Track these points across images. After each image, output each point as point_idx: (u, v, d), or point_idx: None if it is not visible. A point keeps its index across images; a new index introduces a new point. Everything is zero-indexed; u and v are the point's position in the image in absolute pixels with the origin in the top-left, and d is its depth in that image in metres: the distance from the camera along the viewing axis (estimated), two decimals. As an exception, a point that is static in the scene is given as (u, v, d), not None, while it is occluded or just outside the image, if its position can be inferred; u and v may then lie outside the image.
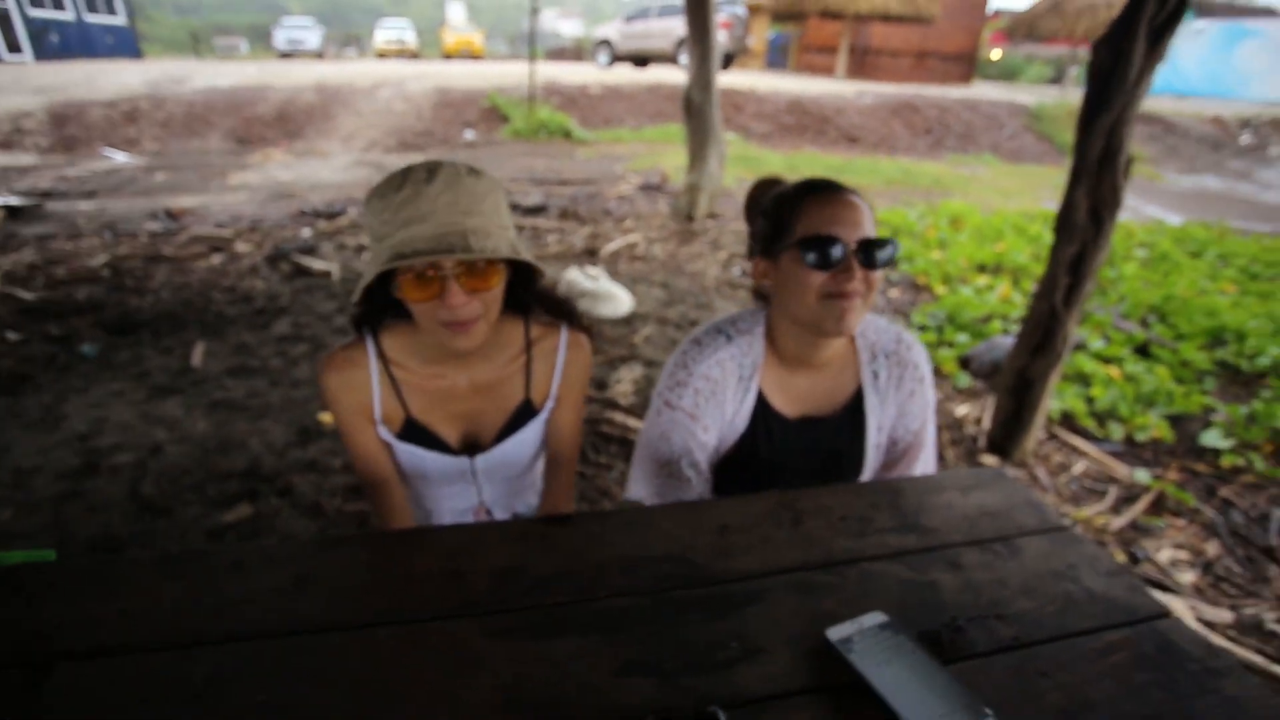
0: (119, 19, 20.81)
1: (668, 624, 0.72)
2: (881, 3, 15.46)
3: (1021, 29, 17.04)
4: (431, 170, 0.86)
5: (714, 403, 1.08)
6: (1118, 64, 2.17)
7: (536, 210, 6.18)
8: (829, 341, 1.06)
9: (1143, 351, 3.57)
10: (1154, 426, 2.81)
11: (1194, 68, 21.95)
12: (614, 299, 3.92)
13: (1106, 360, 3.43)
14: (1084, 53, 20.85)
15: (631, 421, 2.80)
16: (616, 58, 16.42)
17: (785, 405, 1.12)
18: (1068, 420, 2.93)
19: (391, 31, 23.43)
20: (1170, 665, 0.70)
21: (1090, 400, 3.03)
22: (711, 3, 5.44)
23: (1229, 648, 1.83)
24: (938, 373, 3.35)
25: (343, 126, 9.75)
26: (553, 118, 9.64)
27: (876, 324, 1.16)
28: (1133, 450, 2.75)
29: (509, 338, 1.07)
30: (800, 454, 1.12)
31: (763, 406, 1.11)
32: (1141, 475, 2.53)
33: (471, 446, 1.10)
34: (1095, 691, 0.66)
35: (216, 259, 4.77)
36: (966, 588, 0.79)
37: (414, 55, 23.46)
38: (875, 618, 0.72)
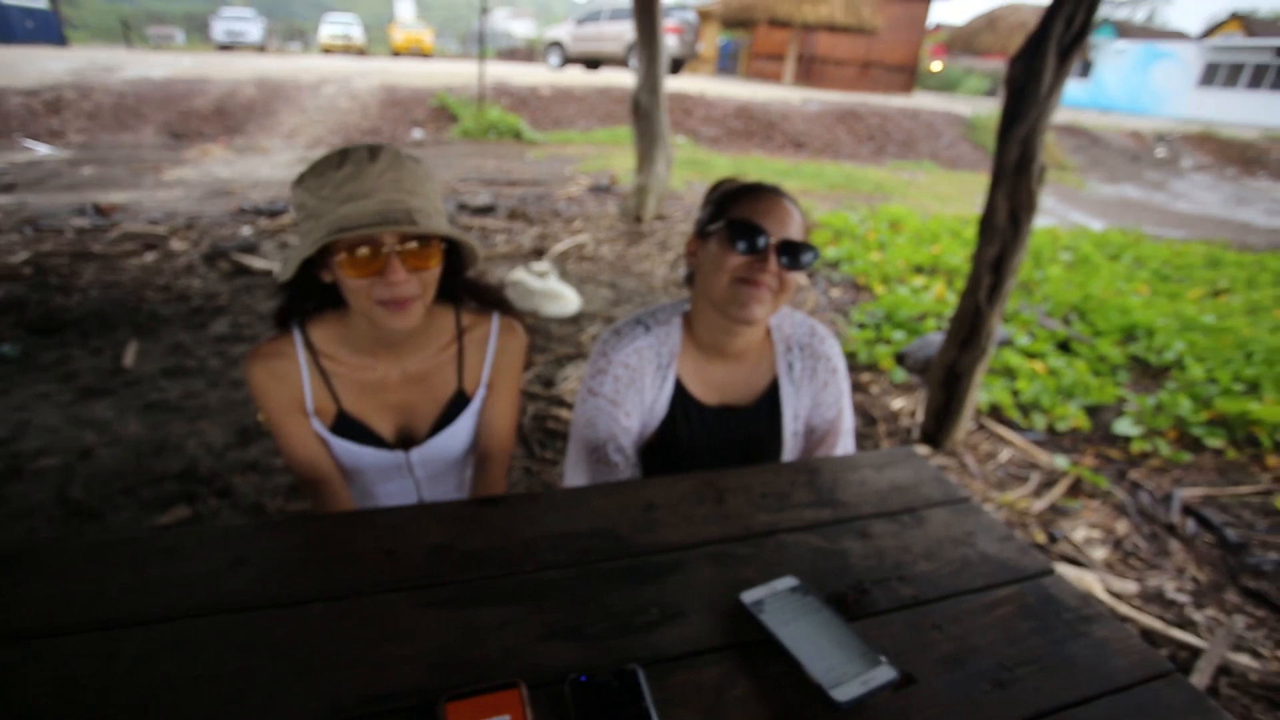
0: (39, 1, 19.57)
1: (592, 593, 0.75)
2: (827, 13, 15.90)
3: (960, 43, 17.78)
4: (373, 150, 0.87)
5: (633, 389, 1.12)
6: (1030, 79, 2.31)
7: (485, 210, 6.13)
8: (740, 330, 1.09)
9: (1064, 347, 3.78)
10: (1073, 417, 2.99)
11: (1116, 85, 23.33)
12: (561, 298, 3.93)
13: (1031, 355, 3.62)
14: (1016, 67, 21.73)
15: (579, 418, 2.82)
16: (568, 59, 16.40)
17: (703, 393, 1.16)
18: (995, 412, 3.09)
19: (338, 27, 22.82)
20: (1049, 614, 0.77)
21: (1016, 393, 3.20)
22: (659, 7, 5.51)
23: (1133, 615, 1.97)
24: (875, 369, 3.48)
25: (285, 123, 9.46)
26: (503, 118, 9.56)
27: (792, 318, 1.21)
28: (1053, 439, 2.93)
29: (440, 327, 1.07)
30: (719, 440, 1.16)
31: (681, 394, 1.15)
32: (1061, 461, 2.69)
33: (406, 440, 1.10)
34: (981, 639, 0.73)
35: (150, 257, 4.58)
36: (873, 554, 0.85)
37: (361, 52, 22.90)
38: (787, 581, 0.76)
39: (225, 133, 9.26)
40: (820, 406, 1.20)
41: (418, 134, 9.25)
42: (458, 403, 1.10)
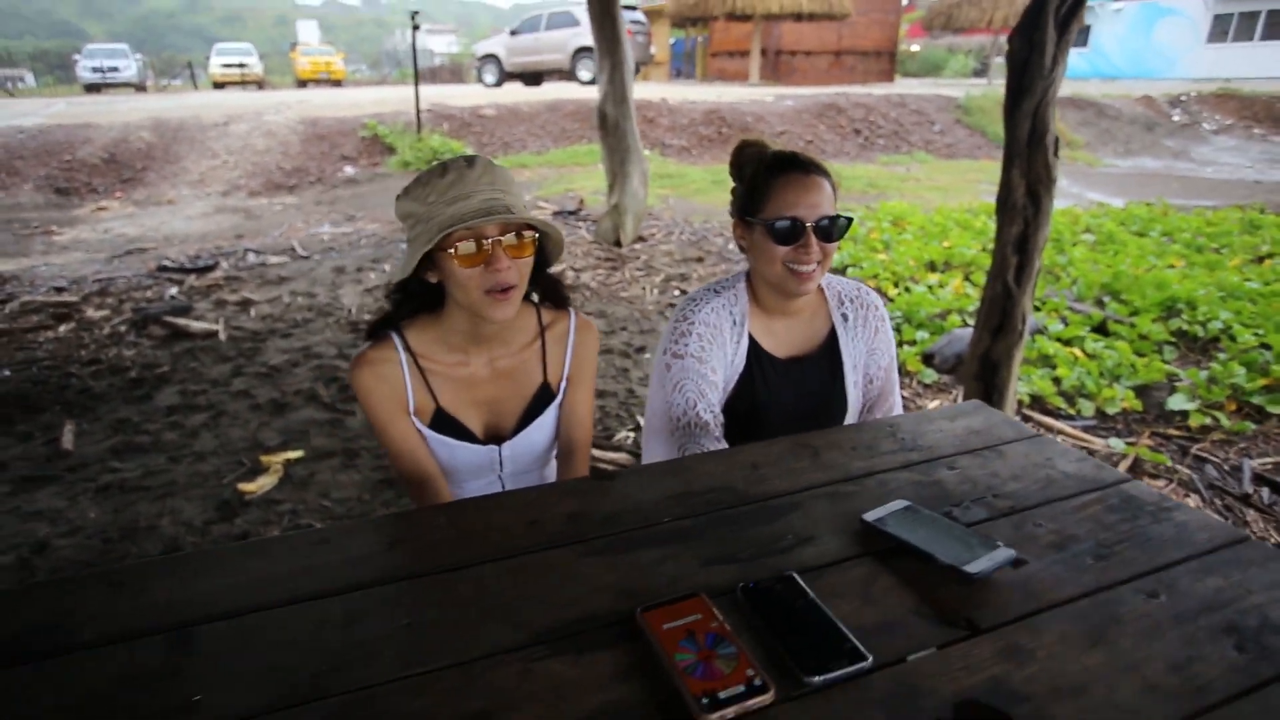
0: None
1: (729, 531, 0.99)
2: (792, 1, 16.84)
3: (938, 20, 18.89)
4: (469, 160, 1.17)
5: (716, 344, 1.42)
6: (1033, 53, 2.68)
7: (444, 246, 6.40)
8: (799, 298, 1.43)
9: (1101, 330, 4.14)
10: (1122, 398, 3.31)
11: (1117, 50, 24.84)
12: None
13: (1067, 342, 3.96)
14: (1005, 41, 23.08)
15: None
16: (505, 75, 17.03)
17: (773, 346, 1.48)
18: (1037, 402, 3.39)
19: (231, 57, 23.38)
20: (1133, 509, 1.02)
21: (1057, 380, 3.51)
22: (619, 12, 5.94)
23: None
24: (903, 372, 3.78)
25: (193, 169, 9.71)
26: (445, 146, 9.96)
27: (837, 278, 1.57)
28: (1105, 423, 3.23)
29: (523, 323, 1.34)
30: (791, 392, 1.47)
31: (755, 348, 1.46)
32: (1116, 444, 2.99)
33: (494, 437, 1.35)
34: (1078, 529, 0.97)
35: (64, 329, 4.72)
36: (966, 480, 1.10)
37: (259, 84, 23.44)
38: (900, 503, 1.01)
39: (121, 185, 9.45)
40: (875, 353, 1.54)
41: (350, 170, 9.58)
42: (543, 397, 1.36)
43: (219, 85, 23.17)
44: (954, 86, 18.53)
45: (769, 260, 1.37)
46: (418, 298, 1.25)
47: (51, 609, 0.87)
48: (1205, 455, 2.96)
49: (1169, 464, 2.87)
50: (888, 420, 1.32)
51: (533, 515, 1.03)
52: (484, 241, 1.14)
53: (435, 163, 1.18)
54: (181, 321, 4.65)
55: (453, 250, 1.13)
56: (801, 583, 0.86)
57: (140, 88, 22.91)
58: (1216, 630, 0.80)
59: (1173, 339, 4.02)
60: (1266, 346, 3.71)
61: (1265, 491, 2.73)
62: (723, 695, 0.70)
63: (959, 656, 0.76)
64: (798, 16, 17.75)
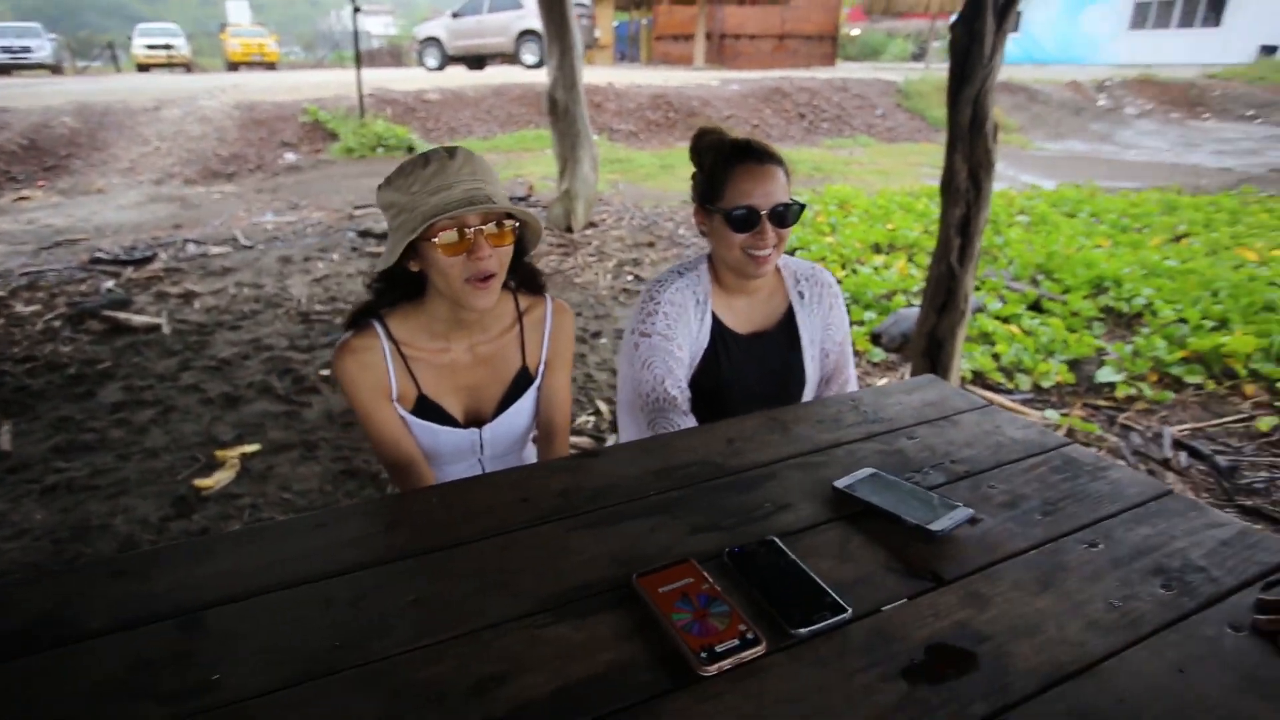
0: None
1: (711, 501, 1.05)
2: (735, -16, 16.92)
3: (878, 5, 19.20)
4: (450, 151, 1.20)
5: (681, 322, 1.50)
6: (973, 42, 2.80)
7: (393, 234, 6.31)
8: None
9: (1036, 307, 4.35)
10: (1056, 372, 3.50)
11: (1047, 35, 25.69)
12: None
13: (1005, 320, 4.15)
14: (943, 26, 23.92)
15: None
16: (448, 58, 16.71)
17: (735, 324, 1.57)
18: (979, 377, 3.56)
19: (155, 38, 22.35)
20: (1074, 469, 1.12)
21: (996, 357, 3.69)
22: (567, -6, 5.92)
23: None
24: (853, 350, 3.92)
25: (122, 156, 9.32)
26: (390, 131, 9.77)
27: (793, 259, 1.68)
28: (1041, 395, 3.41)
29: (502, 310, 1.38)
30: (753, 367, 1.56)
31: (718, 325, 1.55)
32: (1052, 415, 3.17)
33: (475, 420, 1.39)
34: (1026, 489, 1.07)
35: (-9, 325, 4.53)
36: (925, 449, 1.19)
37: (187, 66, 22.50)
38: (866, 471, 1.09)
39: (44, 173, 9.02)
40: (830, 328, 1.65)
41: (291, 157, 9.32)
42: (521, 381, 1.40)
43: (143, 67, 22.12)
44: (893, 71, 18.91)
45: (728, 245, 1.46)
46: (400, 286, 1.28)
47: (54, 599, 0.88)
48: (1130, 424, 3.16)
49: (1099, 432, 3.05)
50: (850, 395, 1.40)
51: (523, 493, 1.08)
52: (466, 230, 1.17)
53: (414, 153, 1.21)
54: (122, 315, 4.50)
55: (436, 239, 1.16)
56: (782, 545, 0.93)
57: (56, 69, 21.73)
58: (1147, 572, 0.90)
59: (1101, 315, 4.25)
60: (1184, 321, 3.95)
61: (1183, 455, 2.94)
62: (719, 649, 0.76)
63: (927, 605, 0.84)
64: (741, 0, 17.86)
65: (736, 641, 0.77)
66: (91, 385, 3.75)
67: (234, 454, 3.08)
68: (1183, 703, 0.70)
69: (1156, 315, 4.08)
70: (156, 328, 4.38)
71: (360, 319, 1.30)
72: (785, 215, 1.44)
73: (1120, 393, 3.33)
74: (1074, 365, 3.63)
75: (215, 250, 6.06)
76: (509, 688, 0.73)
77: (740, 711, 0.71)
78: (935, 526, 0.94)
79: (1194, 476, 2.80)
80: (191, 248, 6.14)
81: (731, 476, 1.12)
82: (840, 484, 1.06)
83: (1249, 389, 3.38)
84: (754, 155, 1.45)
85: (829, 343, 1.66)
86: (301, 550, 0.96)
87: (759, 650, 0.77)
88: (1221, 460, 2.86)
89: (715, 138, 1.51)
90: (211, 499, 2.81)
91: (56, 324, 4.52)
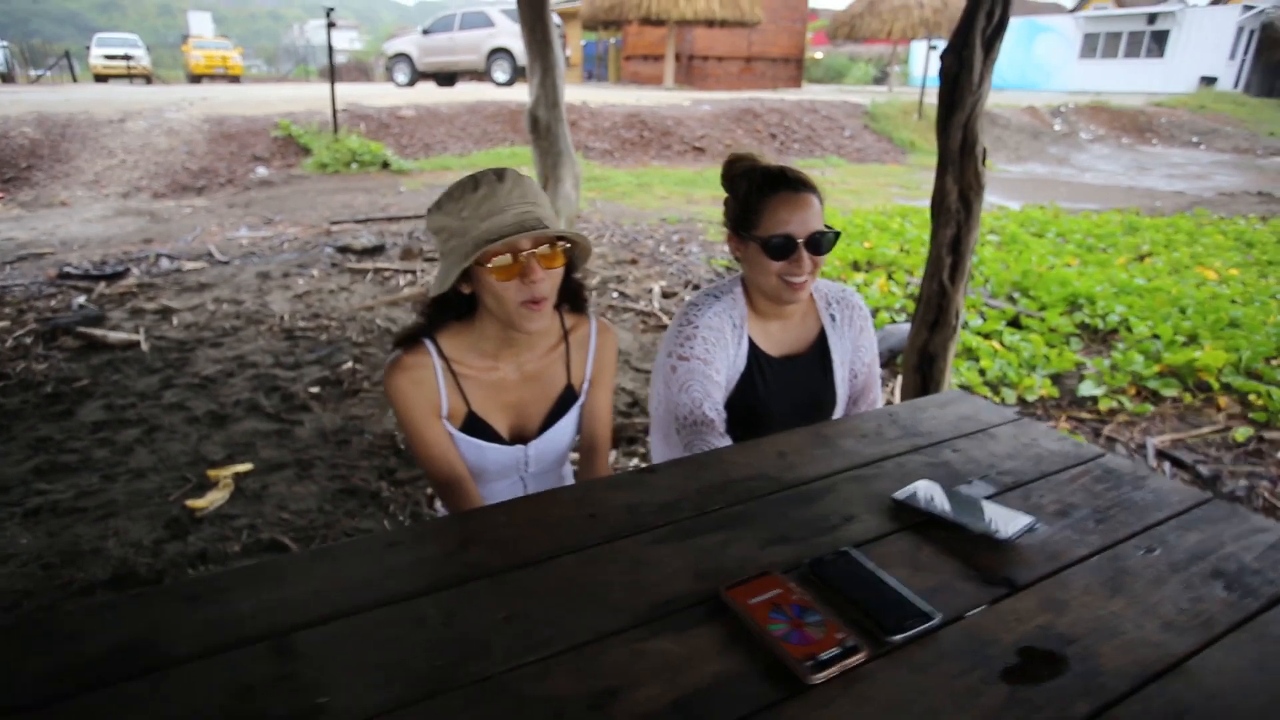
0: None
1: (777, 515, 1.07)
2: (705, 6, 17.21)
3: (842, 29, 19.68)
4: (498, 174, 1.21)
5: (719, 346, 1.52)
6: (962, 69, 2.90)
7: (374, 251, 6.26)
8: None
9: (1014, 324, 4.47)
10: (1040, 386, 3.60)
11: (1004, 62, 26.46)
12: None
13: (986, 335, 4.26)
14: (903, 51, 24.63)
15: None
16: (418, 75, 16.67)
17: (769, 347, 1.60)
18: (967, 392, 3.64)
19: (114, 48, 21.91)
20: (1115, 478, 1.17)
21: (982, 371, 3.79)
22: (550, 15, 5.97)
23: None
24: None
25: (87, 169, 9.09)
26: (365, 146, 9.69)
27: (824, 281, 1.70)
28: (1026, 409, 3.51)
29: (549, 328, 1.39)
30: (786, 389, 1.59)
31: (754, 349, 1.58)
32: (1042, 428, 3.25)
33: (519, 437, 1.40)
34: (1074, 499, 1.11)
35: (-46, 343, 4.38)
36: (969, 461, 1.23)
37: (147, 77, 22.08)
38: (922, 482, 1.12)
39: (3, 185, 8.77)
40: (859, 350, 1.68)
41: (263, 171, 9.18)
42: (566, 399, 1.41)
43: (101, 78, 21.66)
44: (858, 93, 19.34)
45: (764, 273, 1.48)
46: (453, 308, 1.29)
47: (131, 628, 0.86)
48: (1114, 435, 3.27)
49: (1084, 443, 3.15)
50: (886, 410, 1.44)
51: (590, 509, 1.09)
52: (519, 255, 1.18)
53: (464, 178, 1.22)
54: (98, 332, 4.39)
55: (489, 264, 1.17)
56: (859, 556, 0.95)
57: (7, 78, 21.20)
58: (1206, 575, 0.94)
59: (1077, 331, 4.39)
60: (1157, 337, 4.10)
61: (1166, 465, 3.04)
62: (823, 657, 0.78)
63: (1008, 610, 0.87)
64: (710, 23, 18.14)
65: (838, 650, 0.79)
66: (70, 404, 3.64)
67: (227, 473, 3.01)
68: (1273, 697, 0.74)
69: (1131, 331, 4.22)
70: (135, 344, 4.27)
71: (412, 338, 1.30)
72: (821, 243, 1.46)
73: (1103, 405, 3.44)
74: (1056, 379, 3.74)
75: (190, 265, 5.94)
76: (624, 702, 0.74)
77: (854, 717, 0.73)
78: (1002, 535, 0.98)
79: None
80: (165, 263, 6.02)
81: (790, 490, 1.14)
82: (899, 495, 1.09)
83: (1222, 401, 3.52)
84: (790, 184, 1.47)
85: (858, 364, 1.69)
86: (381, 570, 0.96)
87: (861, 657, 0.79)
88: (1203, 469, 2.97)
89: (748, 164, 1.53)
90: (206, 520, 2.75)
91: (28, 340, 4.39)
